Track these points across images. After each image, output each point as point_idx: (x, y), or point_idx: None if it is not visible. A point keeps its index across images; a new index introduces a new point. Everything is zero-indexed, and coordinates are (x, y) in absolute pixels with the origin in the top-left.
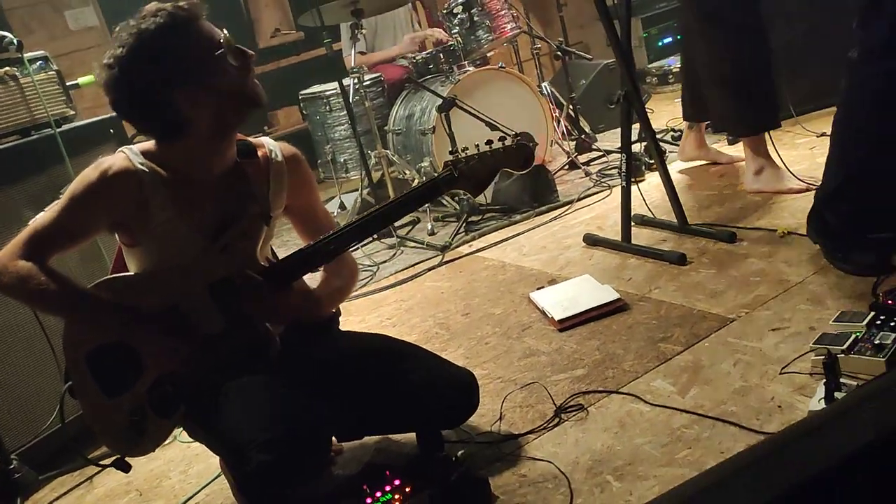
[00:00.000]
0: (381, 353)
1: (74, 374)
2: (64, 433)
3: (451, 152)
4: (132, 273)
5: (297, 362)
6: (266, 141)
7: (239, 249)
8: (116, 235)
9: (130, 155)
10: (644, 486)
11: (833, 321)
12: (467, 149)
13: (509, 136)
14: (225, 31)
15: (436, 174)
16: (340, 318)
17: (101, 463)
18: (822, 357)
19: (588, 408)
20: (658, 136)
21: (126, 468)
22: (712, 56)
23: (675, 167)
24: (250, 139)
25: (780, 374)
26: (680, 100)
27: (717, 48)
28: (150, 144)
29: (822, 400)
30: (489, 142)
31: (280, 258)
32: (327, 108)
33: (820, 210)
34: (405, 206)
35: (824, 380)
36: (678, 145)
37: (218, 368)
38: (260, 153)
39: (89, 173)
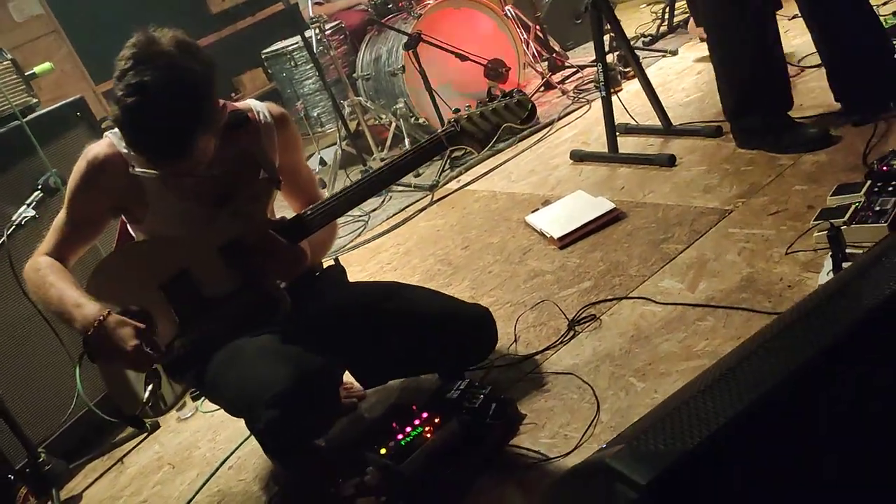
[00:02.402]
0: (394, 299)
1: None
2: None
3: (454, 111)
4: (143, 240)
5: (310, 316)
6: (253, 103)
7: (250, 212)
8: (122, 217)
9: (115, 140)
10: (667, 381)
11: (831, 196)
12: (470, 107)
13: (481, 64)
14: None
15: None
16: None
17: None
18: (825, 231)
19: (600, 317)
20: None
21: (141, 426)
22: None
23: (651, 71)
24: (238, 104)
25: (786, 254)
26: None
27: None
28: None
29: (831, 272)
30: (492, 98)
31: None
32: (292, 63)
33: (738, 126)
34: (411, 163)
35: (830, 253)
36: (652, 50)
37: (231, 329)
38: (250, 117)
39: (79, 164)
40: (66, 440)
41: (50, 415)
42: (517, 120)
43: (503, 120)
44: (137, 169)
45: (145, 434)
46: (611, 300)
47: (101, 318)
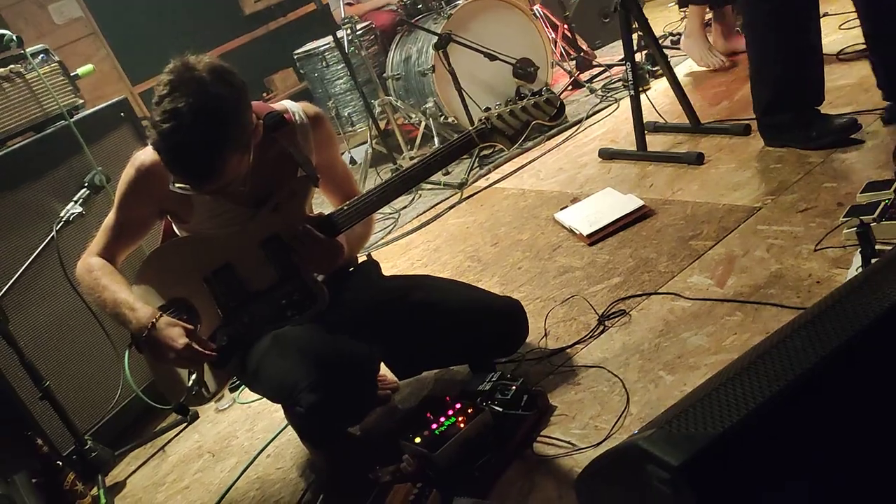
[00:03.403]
0: (427, 291)
1: None
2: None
3: (485, 109)
4: (188, 236)
5: (346, 309)
6: (288, 104)
7: (289, 208)
8: (168, 217)
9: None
10: (696, 374)
11: (860, 193)
12: (500, 104)
13: (510, 63)
14: None
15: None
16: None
17: (161, 406)
18: (855, 228)
19: (630, 312)
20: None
21: (186, 413)
22: None
23: (680, 70)
24: (274, 105)
25: (815, 251)
26: (674, 4)
27: None
28: None
29: (860, 268)
30: (521, 96)
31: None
32: (324, 63)
33: (767, 122)
34: (443, 161)
35: (859, 249)
36: (679, 49)
37: (271, 320)
38: (286, 118)
39: (128, 171)
40: (111, 429)
41: (96, 404)
42: (546, 117)
43: (532, 117)
44: (177, 186)
45: (185, 424)
46: (640, 295)
47: (154, 320)
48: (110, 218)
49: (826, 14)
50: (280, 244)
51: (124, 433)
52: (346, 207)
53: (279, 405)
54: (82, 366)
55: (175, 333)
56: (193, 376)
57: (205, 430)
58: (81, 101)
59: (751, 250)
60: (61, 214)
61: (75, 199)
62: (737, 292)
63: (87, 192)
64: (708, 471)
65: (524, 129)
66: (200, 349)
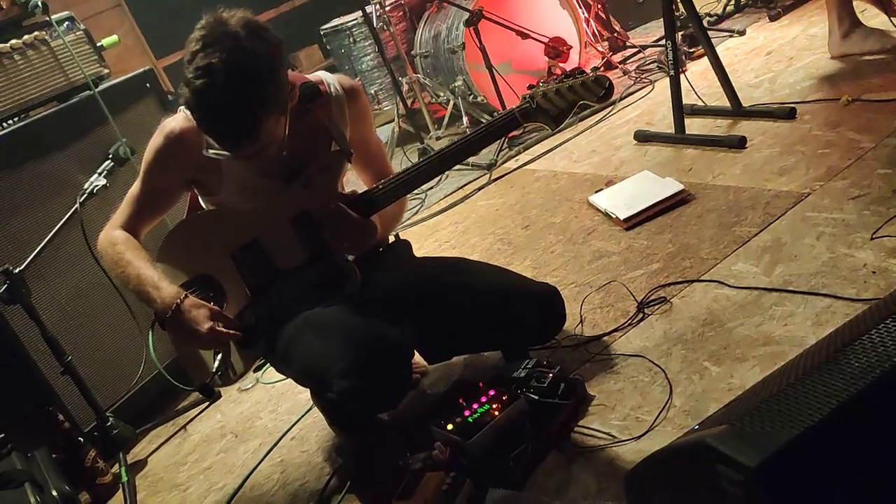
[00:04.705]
0: (462, 274)
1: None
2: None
3: (529, 87)
4: (214, 209)
5: (377, 290)
6: (324, 75)
7: (322, 184)
8: (195, 189)
9: (190, 115)
10: (744, 367)
11: None
12: (545, 82)
13: (542, 42)
14: None
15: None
16: None
17: (185, 387)
18: None
19: (671, 300)
20: None
21: (210, 394)
22: None
23: (720, 49)
24: (310, 76)
25: (871, 240)
26: None
27: None
28: None
29: None
30: (568, 74)
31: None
32: (351, 39)
33: None
34: (484, 140)
35: None
36: (719, 30)
37: (300, 301)
38: (321, 89)
39: (156, 139)
40: (133, 406)
41: (118, 381)
42: (594, 98)
43: (580, 97)
44: (211, 151)
45: (207, 403)
46: (681, 283)
47: (179, 301)
48: (135, 188)
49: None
50: (311, 221)
51: (146, 410)
52: (381, 186)
53: (305, 388)
54: (105, 341)
55: (201, 316)
56: (219, 356)
57: (228, 410)
58: (107, 72)
59: (799, 238)
60: (85, 186)
61: (99, 170)
62: (785, 281)
63: (112, 163)
64: (785, 473)
65: (570, 110)
66: (227, 331)
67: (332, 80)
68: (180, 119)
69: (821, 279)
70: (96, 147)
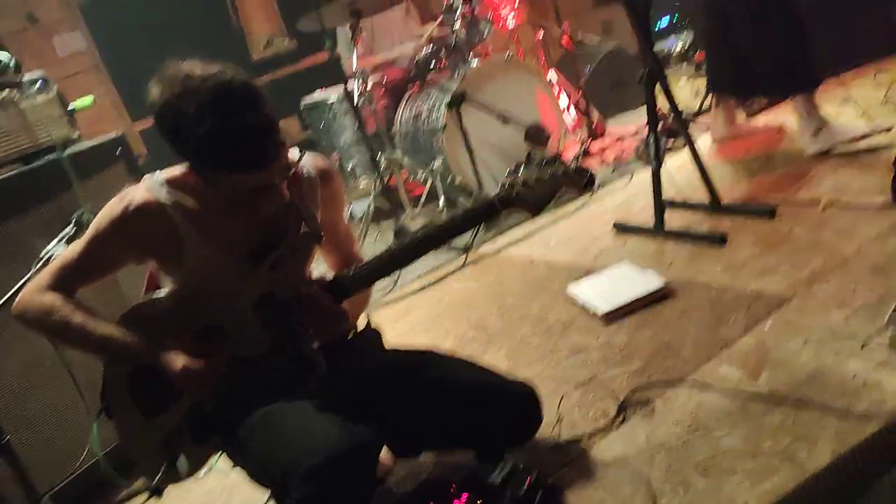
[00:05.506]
0: (434, 368)
1: (113, 391)
2: (97, 467)
3: (509, 173)
4: (170, 292)
5: (344, 382)
6: (296, 154)
7: (290, 268)
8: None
9: (155, 186)
10: (732, 481)
11: None
12: (527, 169)
13: (522, 127)
14: None
15: (492, 194)
16: None
17: (132, 483)
18: None
19: (653, 402)
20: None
21: (160, 494)
22: (747, 24)
23: (700, 143)
24: None
25: (860, 349)
26: (701, 75)
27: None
28: (176, 172)
29: None
30: (549, 161)
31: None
32: (331, 114)
33: None
34: (461, 225)
35: None
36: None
37: (261, 392)
38: (294, 168)
39: (114, 206)
40: (75, 490)
41: (60, 462)
42: (575, 188)
43: (561, 187)
44: (180, 216)
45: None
46: (664, 384)
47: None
48: (77, 250)
49: None
50: (277, 307)
51: (89, 495)
52: (352, 272)
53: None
54: (49, 420)
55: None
56: (171, 452)
57: (176, 500)
58: (76, 135)
59: (785, 343)
60: (41, 254)
61: (59, 237)
62: (772, 389)
63: (74, 230)
64: None
65: (550, 199)
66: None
67: (305, 160)
68: (143, 189)
69: (809, 388)
70: (59, 212)
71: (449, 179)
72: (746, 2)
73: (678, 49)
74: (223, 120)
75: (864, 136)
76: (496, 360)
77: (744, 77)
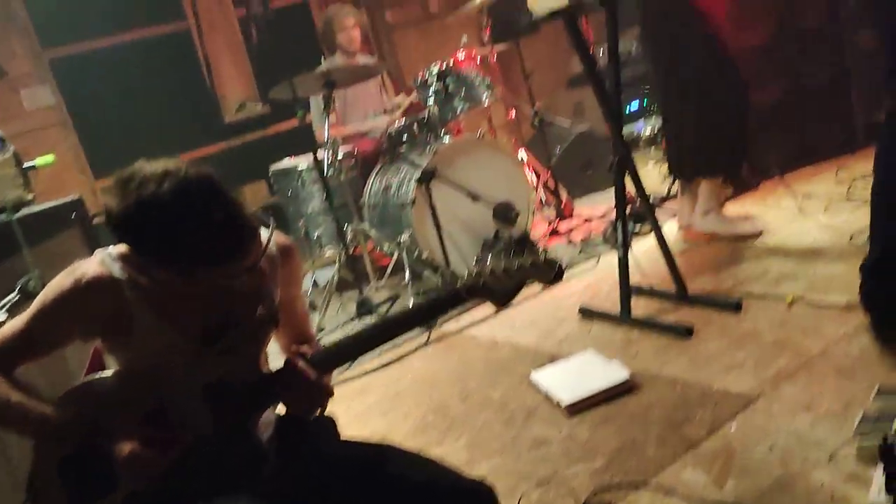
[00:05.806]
0: (387, 465)
1: (41, 480)
2: None
3: (477, 260)
4: (113, 372)
5: (293, 476)
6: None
7: (243, 351)
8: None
9: (108, 260)
10: None
11: (873, 398)
12: (495, 256)
13: (491, 205)
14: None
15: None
16: None
17: None
18: (873, 444)
19: None
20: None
21: None
22: (691, 112)
23: (666, 228)
24: None
25: (829, 461)
26: (661, 161)
27: (694, 107)
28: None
29: (882, 491)
30: (518, 249)
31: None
32: (300, 182)
33: (866, 279)
34: (428, 312)
35: (881, 467)
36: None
37: (202, 483)
38: None
39: (62, 281)
40: None
41: None
42: (544, 280)
43: (528, 278)
44: (134, 293)
45: None
46: (628, 486)
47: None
48: (18, 327)
49: None
50: (226, 392)
51: None
52: (309, 358)
53: None
54: None
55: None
56: None
57: None
58: (30, 197)
59: (751, 447)
60: None
61: (2, 303)
62: (738, 498)
63: (18, 296)
64: None
65: (518, 291)
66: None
67: (265, 236)
68: (95, 263)
69: (778, 498)
70: (5, 277)
71: (416, 253)
72: (702, 91)
73: (647, 133)
74: (192, 220)
75: (747, 237)
76: (455, 449)
77: (686, 159)
